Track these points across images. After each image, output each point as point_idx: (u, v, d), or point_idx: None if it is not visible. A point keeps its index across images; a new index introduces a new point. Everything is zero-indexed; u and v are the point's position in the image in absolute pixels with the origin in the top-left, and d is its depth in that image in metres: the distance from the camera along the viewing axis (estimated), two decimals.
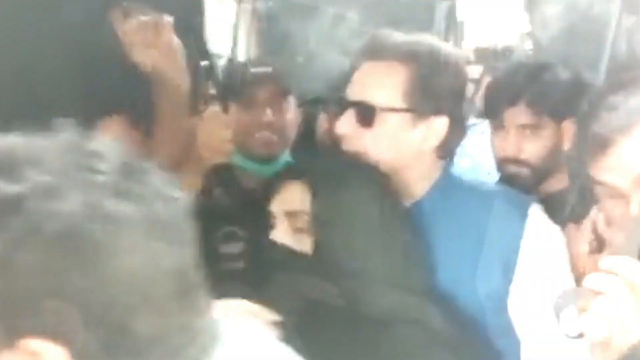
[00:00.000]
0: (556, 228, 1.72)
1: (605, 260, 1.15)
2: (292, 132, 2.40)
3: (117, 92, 1.95)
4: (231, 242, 1.91)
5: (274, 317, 1.44)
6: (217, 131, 1.97)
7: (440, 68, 1.67)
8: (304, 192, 1.54)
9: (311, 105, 2.59)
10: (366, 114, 1.65)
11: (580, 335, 1.16)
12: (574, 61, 2.21)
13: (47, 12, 1.90)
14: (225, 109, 2.04)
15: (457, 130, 1.71)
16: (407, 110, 1.64)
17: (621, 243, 1.21)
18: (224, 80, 2.21)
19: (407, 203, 1.68)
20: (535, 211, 1.70)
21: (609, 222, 1.56)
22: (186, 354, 0.82)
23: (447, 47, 1.77)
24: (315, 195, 1.52)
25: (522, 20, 2.98)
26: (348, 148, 1.67)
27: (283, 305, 1.49)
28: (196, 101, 2.03)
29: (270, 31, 2.88)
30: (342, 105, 1.70)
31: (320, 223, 1.52)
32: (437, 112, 1.65)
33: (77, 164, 0.78)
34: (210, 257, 1.66)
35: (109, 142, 0.83)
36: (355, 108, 1.66)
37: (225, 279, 1.57)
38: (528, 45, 3.05)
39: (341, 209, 1.52)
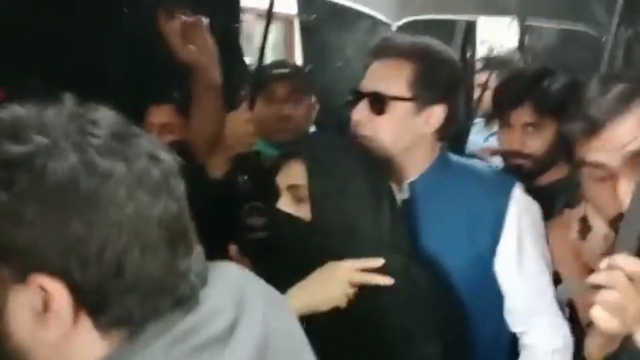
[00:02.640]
0: (535, 203, 1.83)
1: (606, 259, 1.15)
2: (307, 123, 2.53)
3: (167, 84, 2.07)
4: (255, 216, 1.95)
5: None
6: (242, 125, 2.07)
7: (437, 63, 1.77)
8: (302, 169, 1.59)
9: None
10: (378, 103, 1.74)
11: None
12: (571, 64, 2.11)
13: (110, 17, 1.89)
14: (252, 106, 2.13)
15: (453, 115, 1.79)
16: (411, 99, 1.74)
17: (618, 238, 1.20)
18: (253, 80, 2.27)
19: (412, 178, 1.78)
20: (519, 189, 1.81)
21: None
22: (176, 292, 0.82)
23: (442, 46, 1.85)
24: (311, 171, 1.58)
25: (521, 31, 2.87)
26: (362, 132, 1.75)
27: (286, 263, 1.58)
28: (234, 100, 2.15)
29: (313, 40, 2.87)
30: (357, 95, 1.78)
31: (316, 195, 1.57)
32: (437, 100, 1.75)
33: (76, 129, 0.79)
34: (240, 227, 1.68)
35: (105, 111, 0.84)
36: (369, 98, 1.76)
37: (252, 245, 1.77)
38: (526, 54, 2.95)
39: (333, 184, 1.57)
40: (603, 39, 2.21)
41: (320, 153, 1.61)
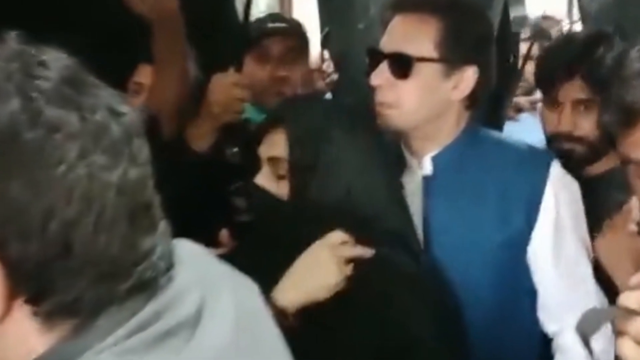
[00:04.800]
0: (575, 182, 1.71)
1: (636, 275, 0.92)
2: (307, 87, 2.35)
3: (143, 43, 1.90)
4: (240, 195, 1.72)
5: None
6: (229, 90, 1.89)
7: (467, 17, 1.65)
8: (284, 139, 1.47)
9: None
10: (401, 65, 1.61)
11: None
12: (629, 27, 1.99)
13: None
14: (239, 68, 1.95)
15: (485, 79, 1.65)
16: (439, 60, 1.61)
17: None
18: (240, 36, 2.12)
19: (434, 151, 1.67)
20: (557, 165, 1.69)
21: None
22: (136, 276, 0.73)
23: None
24: (293, 140, 1.45)
25: None
26: (382, 99, 1.62)
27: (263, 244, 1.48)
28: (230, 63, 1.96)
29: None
30: (377, 57, 1.64)
31: (298, 169, 1.46)
32: (468, 61, 1.62)
33: (21, 71, 0.70)
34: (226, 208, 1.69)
35: (57, 54, 0.73)
36: (390, 60, 1.62)
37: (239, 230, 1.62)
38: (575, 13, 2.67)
39: (322, 157, 1.45)
40: None
41: (307, 120, 1.49)
